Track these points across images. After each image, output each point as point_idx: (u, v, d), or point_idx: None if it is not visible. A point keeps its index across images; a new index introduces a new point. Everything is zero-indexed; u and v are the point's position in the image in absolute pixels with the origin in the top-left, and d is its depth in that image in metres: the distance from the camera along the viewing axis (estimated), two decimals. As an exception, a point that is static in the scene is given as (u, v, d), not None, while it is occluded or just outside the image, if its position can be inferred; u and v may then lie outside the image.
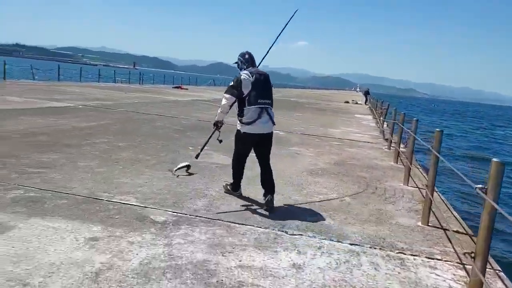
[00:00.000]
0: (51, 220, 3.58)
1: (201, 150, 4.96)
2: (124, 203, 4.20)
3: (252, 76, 4.19)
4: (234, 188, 4.72)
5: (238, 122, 4.31)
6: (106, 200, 4.25)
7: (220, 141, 4.47)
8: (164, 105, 16.23)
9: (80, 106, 12.84)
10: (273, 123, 4.34)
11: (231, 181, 4.77)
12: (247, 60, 4.41)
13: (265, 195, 4.42)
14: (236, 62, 4.51)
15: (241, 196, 4.77)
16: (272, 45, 4.88)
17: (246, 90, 4.16)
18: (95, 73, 36.07)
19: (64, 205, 4.00)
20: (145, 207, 4.16)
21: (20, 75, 26.84)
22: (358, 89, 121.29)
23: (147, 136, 8.44)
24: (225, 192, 4.79)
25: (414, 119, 7.02)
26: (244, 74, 4.21)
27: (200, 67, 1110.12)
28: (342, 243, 3.77)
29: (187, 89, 34.15)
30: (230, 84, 4.24)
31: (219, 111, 4.35)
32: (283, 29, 4.94)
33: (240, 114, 4.24)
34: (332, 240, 3.80)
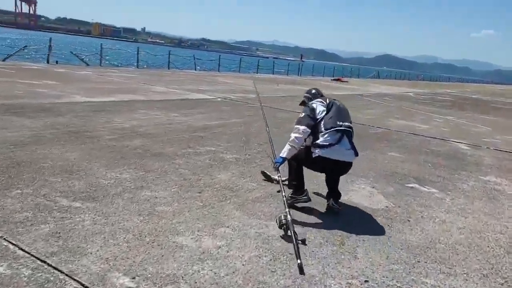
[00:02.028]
0: None
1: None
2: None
3: (326, 100, 3.75)
4: (298, 192, 3.80)
5: (311, 146, 3.59)
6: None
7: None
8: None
9: (219, 99, 11.57)
10: (356, 153, 3.62)
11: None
12: (314, 95, 4.01)
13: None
14: (302, 101, 4.07)
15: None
16: None
17: (320, 115, 3.61)
18: (267, 64, 36.18)
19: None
20: None
21: (188, 65, 28.17)
22: None
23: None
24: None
25: None
26: (315, 101, 3.78)
27: (366, 59, 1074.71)
28: None
29: (347, 81, 31.35)
30: (302, 115, 3.65)
31: (287, 147, 3.55)
32: None
33: (314, 139, 3.57)
34: None
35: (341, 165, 3.59)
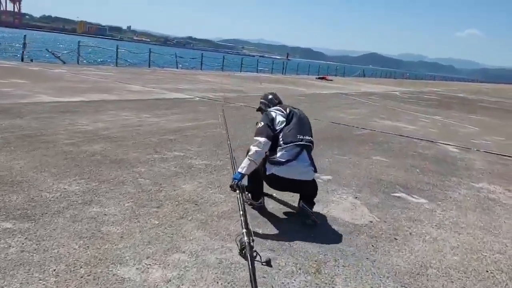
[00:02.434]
0: None
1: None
2: None
3: (286, 109, 3.35)
4: (255, 198, 3.58)
5: (267, 162, 3.20)
6: None
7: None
8: (294, 99, 13.49)
9: (197, 98, 11.04)
10: (315, 170, 3.25)
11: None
12: (270, 100, 3.63)
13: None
14: (259, 108, 3.72)
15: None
16: None
17: (279, 126, 3.24)
18: (252, 62, 35.60)
19: None
20: None
21: (170, 63, 27.46)
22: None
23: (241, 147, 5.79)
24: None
25: None
26: (273, 109, 3.40)
27: (352, 58, 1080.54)
28: None
29: (332, 80, 31.01)
30: (260, 125, 3.23)
31: (247, 162, 3.09)
32: None
33: (271, 153, 3.17)
34: None
35: (299, 184, 3.24)
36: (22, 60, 18.19)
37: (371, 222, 3.61)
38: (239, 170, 3.11)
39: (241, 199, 2.91)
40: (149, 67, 22.82)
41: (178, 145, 5.61)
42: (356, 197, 4.27)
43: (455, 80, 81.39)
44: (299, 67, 39.53)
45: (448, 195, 4.62)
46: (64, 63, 19.75)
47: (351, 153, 6.25)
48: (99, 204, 3.34)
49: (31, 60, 18.52)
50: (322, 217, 3.55)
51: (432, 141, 8.12)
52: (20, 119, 6.15)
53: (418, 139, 8.23)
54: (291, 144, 3.14)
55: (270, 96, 3.66)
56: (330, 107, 12.51)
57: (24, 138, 5.11)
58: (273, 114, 3.31)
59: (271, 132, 3.16)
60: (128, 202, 3.44)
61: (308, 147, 3.22)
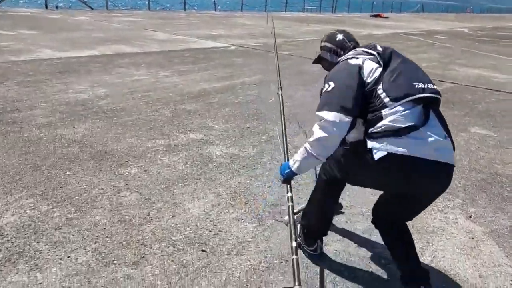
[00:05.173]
0: None
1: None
2: None
3: (375, 49, 1.75)
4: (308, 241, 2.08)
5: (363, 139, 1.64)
6: None
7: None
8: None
9: (233, 47, 9.30)
10: (453, 146, 1.65)
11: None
12: (341, 44, 1.92)
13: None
14: (317, 57, 2.02)
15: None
16: None
17: (372, 76, 1.67)
18: (297, 0, 32.53)
19: None
20: None
21: (207, 5, 25.30)
22: None
23: (289, 119, 4.14)
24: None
25: None
26: (353, 54, 1.78)
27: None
28: None
29: (387, 17, 27.69)
30: (329, 88, 1.67)
31: (303, 153, 1.71)
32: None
33: (372, 125, 1.61)
34: None
35: (436, 173, 1.61)
36: (46, 7, 16.93)
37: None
38: (290, 163, 1.78)
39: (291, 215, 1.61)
40: (185, 10, 20.93)
41: (197, 120, 4.06)
42: (471, 217, 2.60)
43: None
44: (350, 4, 35.83)
45: None
46: (92, 9, 18.32)
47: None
48: (29, 268, 1.91)
49: (56, 7, 17.25)
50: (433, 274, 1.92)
51: (542, 99, 6.01)
52: None
53: (521, 95, 6.14)
54: (407, 99, 1.59)
55: (339, 37, 1.97)
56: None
57: (-12, 115, 3.77)
58: (356, 61, 1.74)
59: (353, 99, 1.61)
60: (85, 255, 1.98)
61: (435, 103, 1.66)
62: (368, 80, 1.67)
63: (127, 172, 2.88)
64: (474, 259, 2.18)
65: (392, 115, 1.57)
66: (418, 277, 1.79)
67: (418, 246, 2.09)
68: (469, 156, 3.59)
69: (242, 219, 2.39)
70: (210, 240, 2.18)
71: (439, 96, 1.65)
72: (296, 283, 1.26)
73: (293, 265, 1.34)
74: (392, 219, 1.85)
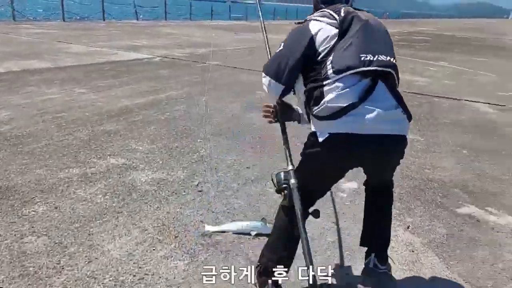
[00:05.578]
0: None
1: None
2: None
3: (339, 12, 1.62)
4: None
5: (310, 118, 1.67)
6: None
7: None
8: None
9: (157, 58, 8.87)
10: (409, 116, 1.63)
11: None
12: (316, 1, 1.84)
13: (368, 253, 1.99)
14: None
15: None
16: None
17: (324, 45, 1.60)
18: (223, 9, 32.45)
19: None
20: None
21: (128, 15, 24.29)
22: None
23: (222, 135, 3.93)
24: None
25: None
26: (316, 16, 1.68)
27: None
28: None
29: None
30: (277, 50, 1.75)
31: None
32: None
33: (314, 101, 1.60)
34: None
35: (383, 146, 1.63)
36: None
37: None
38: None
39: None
40: (104, 20, 19.89)
41: (118, 142, 3.69)
42: (409, 227, 2.56)
43: (434, 17, 79.38)
44: (276, 12, 36.61)
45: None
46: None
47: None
48: None
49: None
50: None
51: (457, 99, 6.39)
52: None
53: (438, 97, 6.48)
54: (348, 72, 1.53)
55: None
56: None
57: None
58: (314, 26, 1.64)
59: (292, 66, 1.64)
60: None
61: (387, 77, 1.59)
62: (320, 49, 1.60)
63: (33, 211, 2.46)
64: (416, 273, 2.12)
65: (331, 93, 1.53)
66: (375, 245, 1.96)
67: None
68: (401, 163, 3.61)
69: (172, 257, 2.12)
70: (134, 287, 1.88)
71: (389, 70, 1.57)
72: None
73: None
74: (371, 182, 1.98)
